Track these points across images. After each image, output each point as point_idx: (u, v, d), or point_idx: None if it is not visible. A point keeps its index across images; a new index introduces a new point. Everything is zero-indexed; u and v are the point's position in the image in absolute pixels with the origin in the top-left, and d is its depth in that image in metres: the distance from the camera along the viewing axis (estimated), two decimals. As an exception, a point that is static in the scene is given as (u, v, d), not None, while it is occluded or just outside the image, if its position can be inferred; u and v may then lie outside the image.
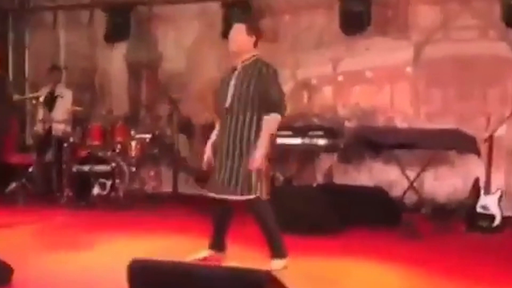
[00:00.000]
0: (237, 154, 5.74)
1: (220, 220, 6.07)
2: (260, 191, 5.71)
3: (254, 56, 5.88)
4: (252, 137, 5.72)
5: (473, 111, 8.94)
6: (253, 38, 5.90)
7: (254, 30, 5.96)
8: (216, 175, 5.85)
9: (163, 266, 4.52)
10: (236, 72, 5.86)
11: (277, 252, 5.85)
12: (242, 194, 5.70)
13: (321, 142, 8.68)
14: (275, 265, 5.75)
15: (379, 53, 9.44)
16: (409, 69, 9.32)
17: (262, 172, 5.71)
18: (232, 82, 5.83)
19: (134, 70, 11.18)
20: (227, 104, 5.80)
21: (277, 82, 5.80)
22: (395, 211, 8.15)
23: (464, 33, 9.00)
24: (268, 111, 5.69)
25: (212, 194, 5.88)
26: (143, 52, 11.07)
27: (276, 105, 5.70)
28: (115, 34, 10.74)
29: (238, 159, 5.73)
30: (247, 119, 5.73)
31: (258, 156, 5.63)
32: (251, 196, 5.70)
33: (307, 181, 9.34)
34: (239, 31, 5.90)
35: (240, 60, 5.89)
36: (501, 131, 8.26)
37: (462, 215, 8.01)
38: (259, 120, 5.71)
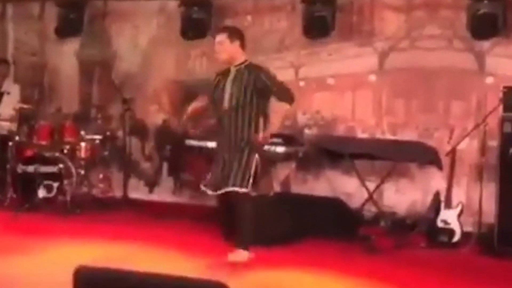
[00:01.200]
0: (239, 151, 6.31)
1: (229, 218, 6.55)
2: (252, 186, 6.31)
3: (246, 61, 6.48)
4: (252, 134, 6.33)
5: (436, 123, 8.79)
6: (237, 43, 6.45)
7: (236, 35, 6.49)
8: (217, 173, 6.42)
9: (110, 274, 4.24)
10: (231, 76, 6.42)
11: (245, 243, 6.36)
12: (234, 186, 6.24)
13: (280, 149, 8.45)
14: (242, 255, 6.32)
15: (342, 60, 9.26)
16: (372, 78, 9.14)
17: (258, 169, 6.36)
18: (228, 85, 6.39)
19: (86, 68, 10.84)
20: (226, 106, 6.38)
21: (274, 77, 6.46)
22: (353, 223, 8.04)
23: (430, 43, 8.83)
24: (279, 100, 6.41)
25: (210, 191, 6.47)
26: (96, 50, 10.72)
27: (284, 94, 6.39)
28: (67, 29, 10.36)
29: (239, 155, 6.30)
30: (246, 119, 6.33)
31: (267, 133, 6.39)
32: (244, 190, 6.24)
33: (263, 190, 9.07)
34: (221, 41, 6.42)
35: (232, 64, 6.46)
36: (463, 144, 8.13)
37: (422, 229, 7.90)
38: (258, 117, 6.36)
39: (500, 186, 7.49)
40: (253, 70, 6.39)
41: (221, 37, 6.44)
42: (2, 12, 11.29)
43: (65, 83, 10.89)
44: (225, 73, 6.51)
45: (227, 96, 6.37)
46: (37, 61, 11.07)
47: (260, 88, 6.34)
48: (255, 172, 6.36)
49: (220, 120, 6.49)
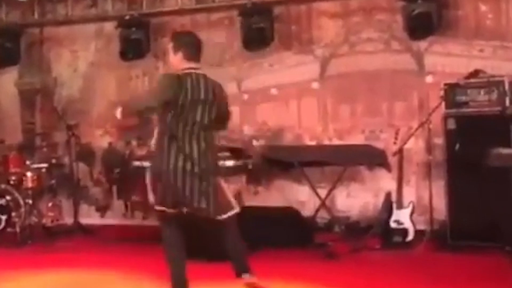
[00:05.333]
0: None
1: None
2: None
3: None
4: None
5: (381, 125, 8.89)
6: (179, 54, 5.71)
7: (178, 46, 5.74)
8: None
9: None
10: None
11: None
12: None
13: (228, 163, 8.36)
14: None
15: (284, 70, 9.32)
16: (315, 85, 9.20)
17: None
18: None
19: (27, 97, 10.70)
20: None
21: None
22: (307, 231, 8.05)
23: (368, 46, 8.95)
24: None
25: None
26: (36, 77, 10.60)
27: None
28: (4, 58, 10.22)
29: None
30: None
31: None
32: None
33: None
34: (168, 52, 5.83)
35: None
36: (410, 144, 8.22)
37: (377, 232, 7.94)
38: None
39: (449, 183, 7.61)
40: None
41: (168, 47, 5.87)
42: None
43: (6, 113, 10.74)
44: None
45: None
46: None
47: None
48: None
49: None
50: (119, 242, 8.43)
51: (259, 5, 9.11)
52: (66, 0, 9.95)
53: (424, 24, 8.35)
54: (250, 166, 8.65)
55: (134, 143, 9.99)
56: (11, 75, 10.64)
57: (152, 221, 9.52)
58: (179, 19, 9.86)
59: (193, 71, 5.69)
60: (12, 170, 9.01)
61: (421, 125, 8.00)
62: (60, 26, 10.42)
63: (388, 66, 8.84)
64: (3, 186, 8.85)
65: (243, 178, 9.18)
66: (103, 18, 10.05)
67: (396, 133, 8.02)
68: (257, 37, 9.05)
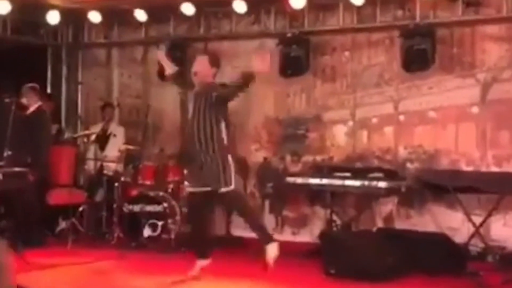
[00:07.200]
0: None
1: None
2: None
3: None
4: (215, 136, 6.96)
5: (544, 154, 8.54)
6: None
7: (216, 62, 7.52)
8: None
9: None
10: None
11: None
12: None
13: (382, 184, 8.33)
14: (273, 250, 6.75)
15: (444, 92, 9.16)
16: (475, 109, 8.97)
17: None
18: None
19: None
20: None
21: None
22: (459, 259, 7.80)
23: (533, 73, 8.65)
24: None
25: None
26: (197, 88, 10.86)
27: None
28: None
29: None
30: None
31: None
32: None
33: (366, 226, 9.01)
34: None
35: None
36: None
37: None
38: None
39: None
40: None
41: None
42: (107, 57, 11.70)
43: (168, 123, 11.12)
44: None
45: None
46: (140, 103, 11.36)
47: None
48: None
49: None
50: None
51: (422, 26, 9.00)
52: (231, 16, 10.20)
53: None
54: (403, 189, 8.56)
55: (288, 158, 10.11)
56: (174, 87, 10.96)
57: (302, 237, 9.61)
58: (339, 38, 9.93)
59: None
60: (170, 178, 9.34)
61: None
62: (224, 41, 10.69)
63: (554, 94, 8.53)
64: (161, 193, 9.17)
65: (395, 200, 9.12)
66: (265, 35, 10.23)
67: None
68: (418, 59, 8.95)
